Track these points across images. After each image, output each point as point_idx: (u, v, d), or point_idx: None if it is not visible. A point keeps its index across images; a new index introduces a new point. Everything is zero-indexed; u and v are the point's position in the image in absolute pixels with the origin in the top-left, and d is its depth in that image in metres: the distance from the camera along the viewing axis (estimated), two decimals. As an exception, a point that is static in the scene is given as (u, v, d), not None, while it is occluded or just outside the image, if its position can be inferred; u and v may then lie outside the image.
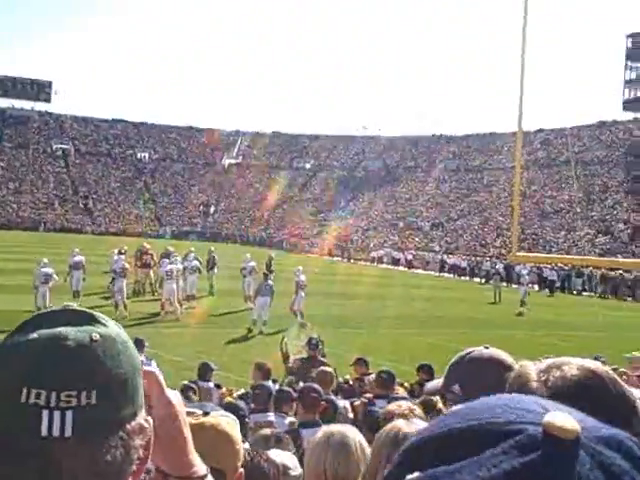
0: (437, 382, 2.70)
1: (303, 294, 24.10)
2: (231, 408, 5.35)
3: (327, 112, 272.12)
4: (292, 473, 3.56)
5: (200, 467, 1.26)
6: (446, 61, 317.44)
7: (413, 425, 2.63)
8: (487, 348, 2.57)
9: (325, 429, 3.24)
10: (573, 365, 1.52)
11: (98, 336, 0.96)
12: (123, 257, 25.51)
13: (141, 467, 1.00)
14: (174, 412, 1.19)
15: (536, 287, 46.80)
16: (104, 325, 1.00)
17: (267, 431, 5.38)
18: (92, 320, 1.00)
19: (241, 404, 5.99)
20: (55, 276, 22.98)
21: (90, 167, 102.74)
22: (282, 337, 14.61)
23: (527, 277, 36.62)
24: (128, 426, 0.96)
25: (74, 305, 1.05)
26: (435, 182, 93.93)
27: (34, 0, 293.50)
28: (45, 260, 23.66)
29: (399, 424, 2.64)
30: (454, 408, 0.71)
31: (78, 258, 25.63)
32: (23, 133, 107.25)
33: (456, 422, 0.66)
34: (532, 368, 1.56)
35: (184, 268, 26.65)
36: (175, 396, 1.22)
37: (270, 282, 23.27)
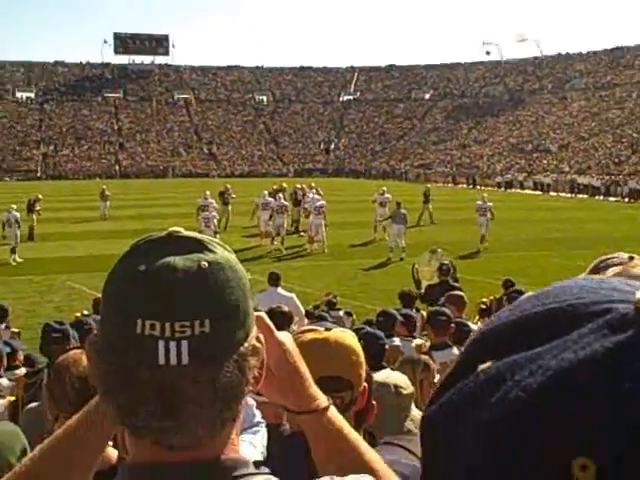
0: None
1: (484, 219, 24.63)
2: (369, 334, 5.23)
3: (442, 39, 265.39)
4: (404, 392, 3.44)
5: (322, 399, 1.27)
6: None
7: None
8: (632, 258, 2.23)
9: None
10: None
11: (207, 264, 0.97)
12: (282, 195, 26.07)
13: (256, 385, 1.04)
14: (287, 350, 1.21)
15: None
16: (212, 251, 1.00)
17: (415, 356, 5.39)
18: (199, 246, 1.00)
19: (378, 332, 5.78)
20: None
21: (211, 114, 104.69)
22: (413, 264, 14.37)
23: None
24: (242, 348, 0.99)
25: (181, 230, 1.02)
26: (562, 102, 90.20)
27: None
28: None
29: None
30: (528, 294, 0.64)
31: (208, 201, 26.34)
32: (145, 86, 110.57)
33: (533, 306, 0.59)
34: None
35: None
36: (285, 336, 1.23)
37: (403, 210, 23.22)
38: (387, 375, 3.76)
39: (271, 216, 24.96)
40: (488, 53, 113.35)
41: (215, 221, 23.74)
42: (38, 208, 27.28)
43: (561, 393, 0.51)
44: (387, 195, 27.61)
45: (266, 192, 26.34)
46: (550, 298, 0.59)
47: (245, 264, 1.05)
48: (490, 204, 24.94)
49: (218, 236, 22.88)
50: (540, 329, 0.56)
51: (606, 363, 0.51)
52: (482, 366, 0.58)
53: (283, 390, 1.23)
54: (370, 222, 26.80)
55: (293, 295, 11.10)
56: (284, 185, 30.37)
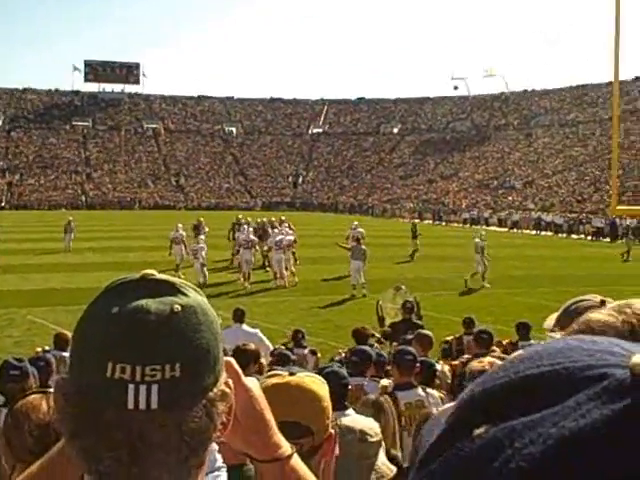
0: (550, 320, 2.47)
1: (479, 256, 24.85)
2: (332, 373, 5.19)
3: (412, 73, 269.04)
4: (370, 439, 3.32)
5: (285, 448, 1.26)
6: (526, 9, 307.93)
7: None
8: (604, 302, 2.28)
9: None
10: None
11: (179, 307, 0.97)
12: (251, 229, 25.63)
13: (223, 431, 1.03)
14: (253, 397, 1.20)
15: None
16: (185, 294, 1.00)
17: (371, 397, 5.47)
18: (173, 289, 1.00)
19: (342, 371, 5.76)
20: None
21: (180, 144, 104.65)
22: (377, 300, 14.39)
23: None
24: (211, 394, 0.99)
25: (155, 273, 1.03)
26: (527, 139, 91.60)
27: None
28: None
29: None
30: (519, 353, 0.63)
31: (179, 233, 25.96)
32: (114, 115, 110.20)
33: (527, 368, 0.58)
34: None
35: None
36: (252, 382, 1.22)
37: (363, 246, 23.20)
38: (354, 420, 3.67)
39: (238, 251, 24.85)
40: (456, 88, 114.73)
41: (204, 253, 23.20)
42: None
43: (564, 462, 0.51)
44: (360, 229, 27.67)
45: (246, 226, 26.04)
46: (543, 360, 0.58)
47: (211, 300, 1.06)
48: (485, 243, 25.31)
49: (205, 268, 22.73)
50: (535, 393, 0.56)
51: (606, 432, 0.51)
52: (478, 431, 0.56)
53: (247, 437, 1.20)
54: (338, 257, 26.78)
55: (257, 330, 11.06)
56: (248, 219, 29.91)
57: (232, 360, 1.14)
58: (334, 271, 25.91)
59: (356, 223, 29.07)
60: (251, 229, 25.65)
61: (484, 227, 60.41)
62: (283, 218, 30.61)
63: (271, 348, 10.27)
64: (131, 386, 0.92)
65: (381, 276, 23.10)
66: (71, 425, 0.96)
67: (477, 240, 25.52)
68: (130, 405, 0.92)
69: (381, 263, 27.43)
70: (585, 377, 0.55)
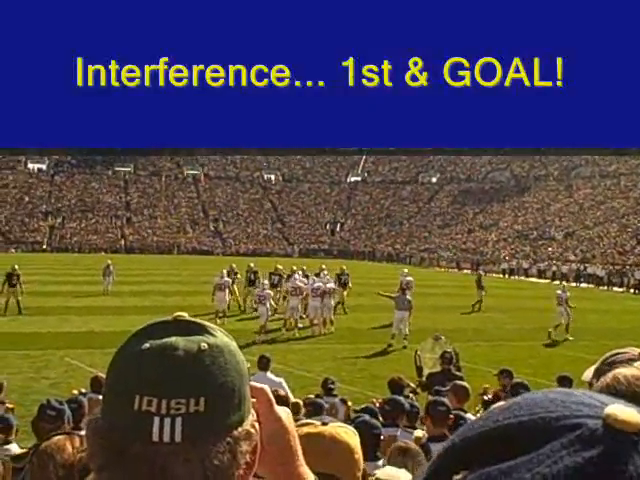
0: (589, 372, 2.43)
1: (562, 308, 24.85)
2: (364, 423, 5.14)
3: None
4: None
5: (310, 479, 1.26)
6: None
7: None
8: None
9: None
10: None
11: (206, 346, 1.01)
12: (298, 277, 25.49)
13: (248, 471, 1.04)
14: (283, 427, 1.19)
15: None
16: (213, 335, 1.04)
17: (401, 444, 5.34)
18: (202, 330, 1.04)
19: (374, 421, 5.68)
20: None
21: (219, 191, 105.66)
22: (416, 351, 14.24)
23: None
24: (235, 432, 1.01)
25: (185, 315, 1.07)
26: (567, 190, 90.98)
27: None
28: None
29: None
30: (500, 404, 0.66)
31: (224, 279, 25.87)
32: (156, 161, 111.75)
33: (506, 418, 0.61)
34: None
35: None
36: (284, 412, 1.21)
37: (408, 297, 22.95)
38: (389, 474, 3.61)
39: (285, 297, 24.84)
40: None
41: (271, 300, 23.02)
42: (21, 280, 26.85)
43: None
44: (409, 278, 27.69)
45: (300, 272, 25.92)
46: (522, 410, 0.61)
47: (247, 347, 1.05)
48: (568, 294, 25.28)
49: (269, 312, 22.52)
50: (512, 441, 0.58)
51: (577, 478, 0.54)
52: (456, 477, 0.60)
53: (273, 467, 1.19)
54: (375, 306, 26.67)
55: (282, 380, 11.02)
56: (278, 266, 29.66)
57: (266, 387, 1.16)
58: (372, 320, 25.74)
59: (406, 271, 29.23)
60: (297, 276, 25.54)
61: (523, 278, 59.87)
62: (344, 267, 30.95)
63: (292, 399, 10.20)
64: (156, 419, 0.94)
65: (420, 326, 22.89)
66: (100, 459, 0.98)
67: (559, 292, 25.62)
68: (155, 437, 0.94)
69: (421, 313, 27.15)
70: (560, 426, 0.58)
